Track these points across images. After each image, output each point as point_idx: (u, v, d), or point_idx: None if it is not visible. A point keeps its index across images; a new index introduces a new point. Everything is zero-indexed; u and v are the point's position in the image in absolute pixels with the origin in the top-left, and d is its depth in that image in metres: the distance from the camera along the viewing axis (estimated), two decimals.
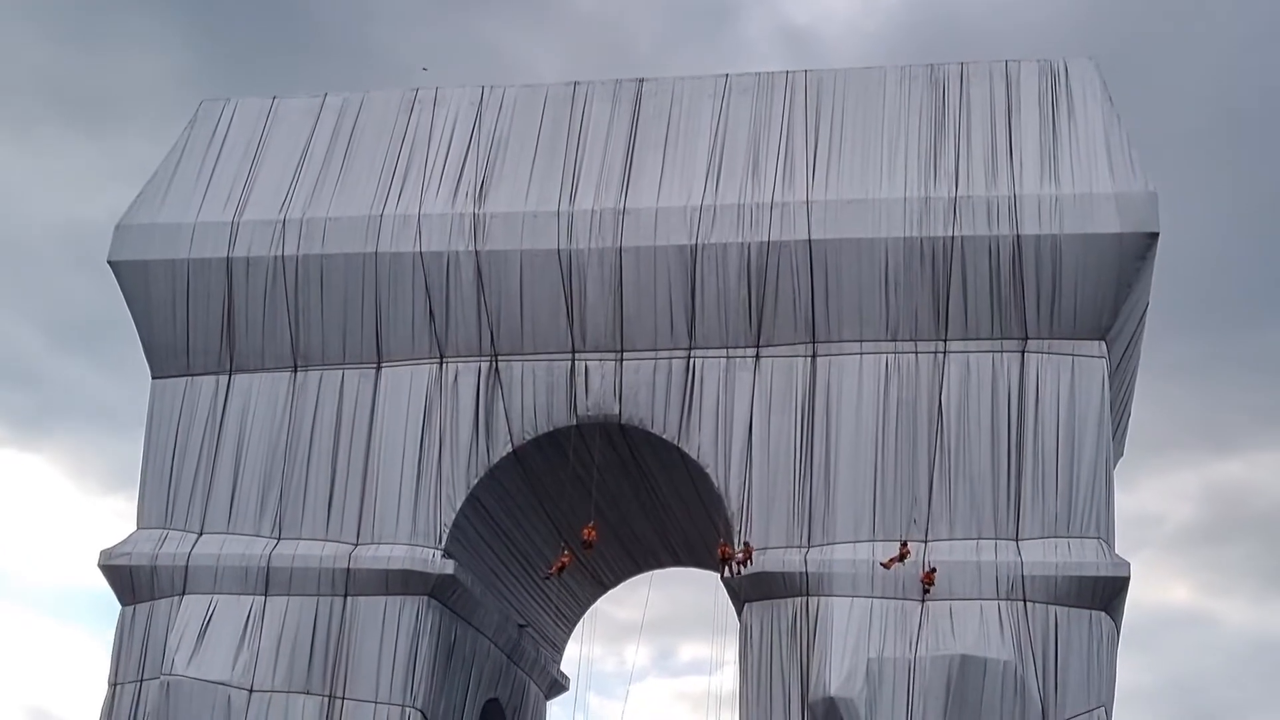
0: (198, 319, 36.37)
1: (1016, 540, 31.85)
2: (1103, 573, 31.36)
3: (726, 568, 32.90)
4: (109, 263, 36.72)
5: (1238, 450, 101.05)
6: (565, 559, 34.80)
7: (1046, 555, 31.52)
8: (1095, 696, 30.85)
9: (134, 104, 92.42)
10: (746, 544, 32.56)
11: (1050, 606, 31.22)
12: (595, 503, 36.64)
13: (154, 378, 36.98)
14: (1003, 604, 31.24)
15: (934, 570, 31.07)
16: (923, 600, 31.08)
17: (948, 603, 31.27)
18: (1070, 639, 31.05)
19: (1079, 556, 31.52)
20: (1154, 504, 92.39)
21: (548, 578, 36.32)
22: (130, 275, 36.55)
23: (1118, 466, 37.50)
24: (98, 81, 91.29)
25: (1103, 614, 31.56)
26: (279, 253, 35.83)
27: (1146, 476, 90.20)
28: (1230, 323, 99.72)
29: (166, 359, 36.76)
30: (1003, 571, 31.35)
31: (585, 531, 34.49)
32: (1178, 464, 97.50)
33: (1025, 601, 31.25)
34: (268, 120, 38.45)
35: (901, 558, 31.18)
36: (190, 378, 36.60)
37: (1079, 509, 32.05)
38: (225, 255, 36.04)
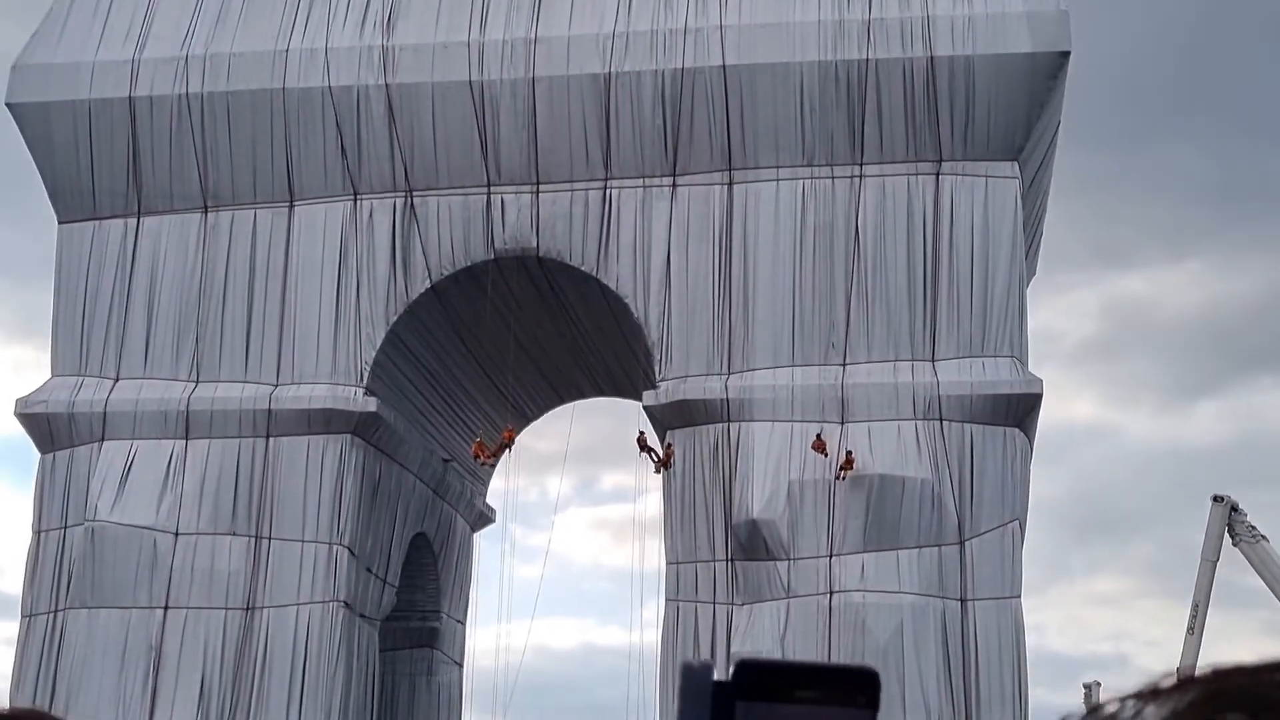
0: (102, 161, 35.55)
1: (932, 361, 32.33)
2: (1016, 390, 31.99)
3: (657, 464, 33.34)
4: (7, 105, 35.69)
5: (1136, 266, 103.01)
6: (480, 446, 35.54)
7: (961, 375, 32.06)
8: (1009, 510, 31.71)
9: None
10: (669, 445, 32.88)
11: (966, 425, 31.85)
12: (515, 336, 36.70)
13: (60, 222, 36.23)
14: (919, 423, 31.83)
15: (851, 454, 31.34)
16: (838, 478, 31.27)
17: (866, 424, 31.80)
18: (985, 455, 31.77)
19: (993, 375, 32.09)
20: (1054, 320, 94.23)
21: (478, 460, 36.60)
22: (30, 117, 35.57)
23: (1030, 286, 38.02)
24: None
25: (1016, 430, 32.27)
26: (183, 91, 34.96)
27: (1046, 293, 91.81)
28: (1130, 139, 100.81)
29: (73, 203, 35.98)
30: (919, 392, 31.88)
31: (505, 434, 35.31)
32: (1077, 281, 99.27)
33: (941, 420, 31.85)
34: None
35: (820, 446, 31.40)
36: (98, 221, 35.87)
37: (993, 328, 32.54)
38: (127, 95, 35.11)
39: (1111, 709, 1.16)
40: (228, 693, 32.93)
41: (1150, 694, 1.14)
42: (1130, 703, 1.14)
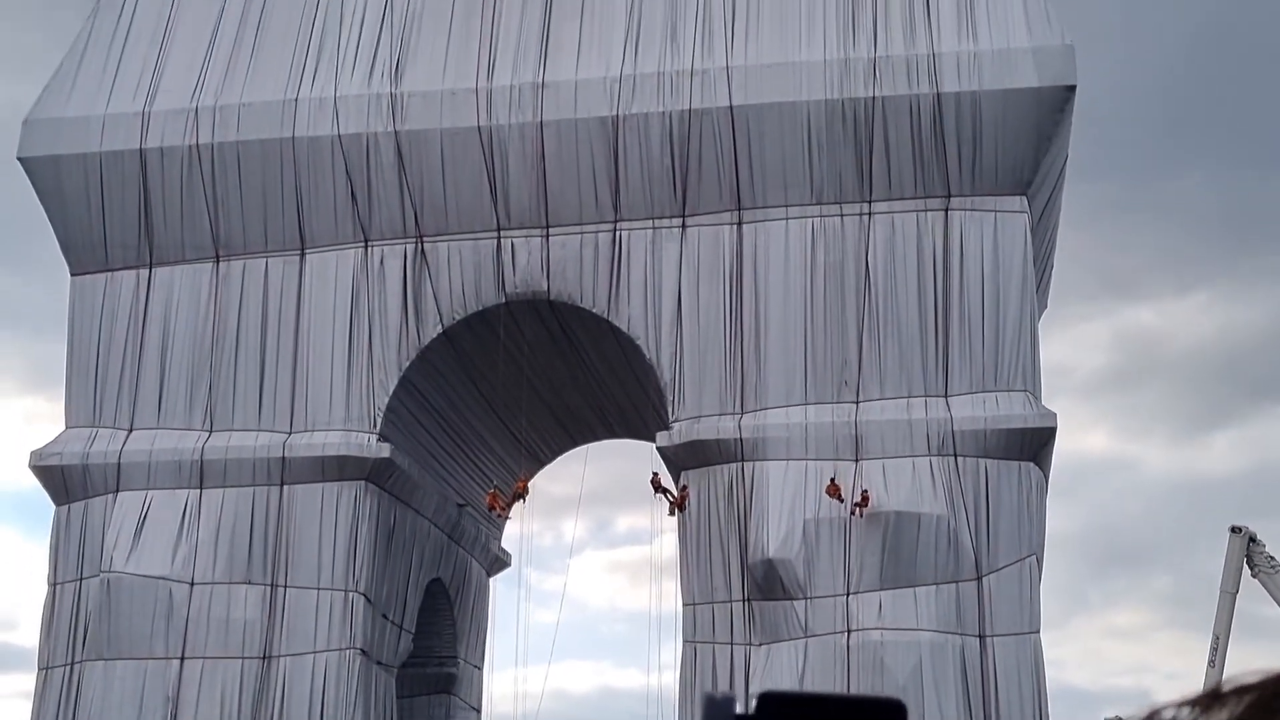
0: (114, 213, 35.73)
1: (946, 396, 32.26)
2: (1030, 424, 31.89)
3: (672, 506, 33.25)
4: (19, 159, 35.89)
5: (1146, 297, 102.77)
6: (494, 497, 35.64)
7: (975, 410, 31.98)
8: (1026, 545, 31.56)
9: None
10: (684, 487, 32.88)
11: (980, 460, 31.74)
12: (527, 379, 36.70)
13: (73, 275, 36.38)
14: (934, 459, 31.73)
15: (866, 491, 31.21)
16: (853, 514, 31.17)
17: (880, 461, 31.71)
18: (1000, 490, 31.64)
19: (1007, 409, 32.00)
20: (1065, 353, 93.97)
21: (493, 512, 36.78)
22: (42, 171, 35.77)
23: (1041, 319, 37.96)
24: None
25: (1031, 464, 32.14)
26: (193, 141, 35.15)
27: (1055, 327, 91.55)
28: (1136, 170, 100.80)
29: (85, 255, 36.14)
30: (933, 428, 31.79)
31: (519, 483, 35.98)
32: (1086, 313, 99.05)
33: (956, 456, 31.75)
34: (173, 5, 37.43)
35: (834, 492, 31.28)
36: (110, 273, 36.03)
37: (1005, 363, 32.47)
38: (138, 146, 35.32)
39: (1169, 714, 1.14)
40: None
41: (1209, 698, 1.13)
42: (1187, 709, 1.12)
